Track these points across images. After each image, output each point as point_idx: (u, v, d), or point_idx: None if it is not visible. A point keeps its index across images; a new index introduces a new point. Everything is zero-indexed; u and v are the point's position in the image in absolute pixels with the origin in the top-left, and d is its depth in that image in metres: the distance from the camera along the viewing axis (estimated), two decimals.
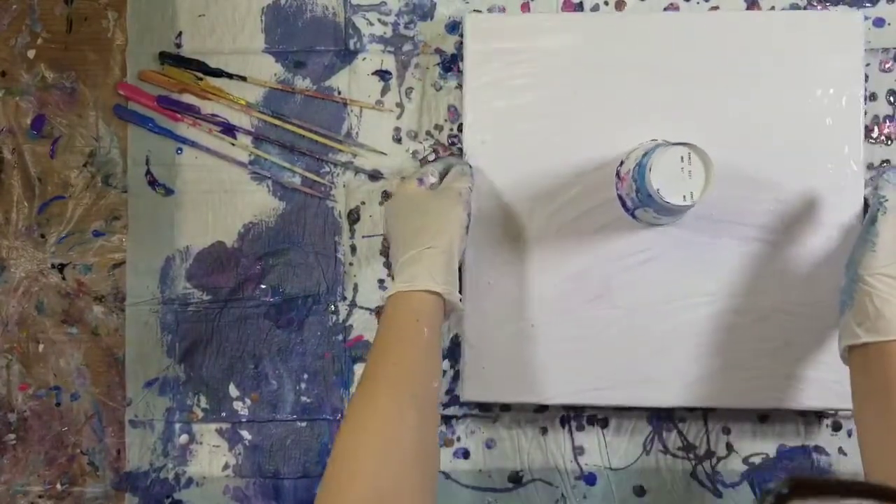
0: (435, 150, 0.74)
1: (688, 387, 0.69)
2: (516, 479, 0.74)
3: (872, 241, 0.60)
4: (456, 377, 0.73)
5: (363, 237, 0.75)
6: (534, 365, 0.70)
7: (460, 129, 0.73)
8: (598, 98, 0.70)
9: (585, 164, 0.70)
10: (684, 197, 0.59)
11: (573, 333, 0.70)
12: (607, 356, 0.70)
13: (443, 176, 0.69)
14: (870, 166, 0.71)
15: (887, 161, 0.72)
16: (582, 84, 0.70)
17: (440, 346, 0.61)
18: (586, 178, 0.70)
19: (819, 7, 0.72)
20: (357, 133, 0.75)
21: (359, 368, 0.75)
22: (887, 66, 0.72)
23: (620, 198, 0.69)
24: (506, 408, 0.74)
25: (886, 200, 0.62)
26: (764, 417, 0.73)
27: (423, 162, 0.74)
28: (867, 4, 0.73)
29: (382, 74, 0.75)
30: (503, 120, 0.71)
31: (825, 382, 0.68)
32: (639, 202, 0.65)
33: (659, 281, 0.69)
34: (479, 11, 0.74)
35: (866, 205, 0.68)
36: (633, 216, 0.69)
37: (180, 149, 0.75)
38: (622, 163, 0.68)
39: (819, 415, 0.72)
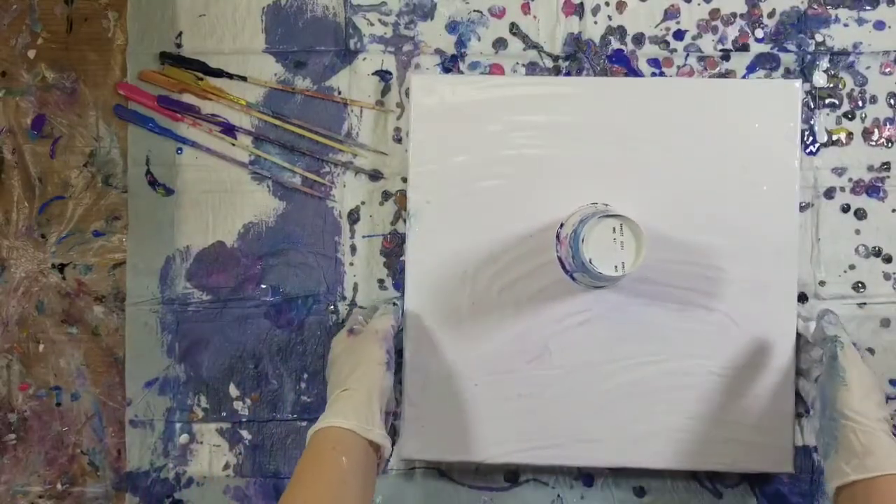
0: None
1: (624, 447, 0.70)
2: (513, 479, 0.74)
3: (841, 376, 0.61)
4: None
5: (363, 237, 0.75)
6: (475, 424, 0.70)
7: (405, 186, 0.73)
8: (541, 159, 0.70)
9: (527, 227, 0.70)
10: (616, 268, 0.61)
11: (514, 393, 0.70)
12: (547, 416, 0.70)
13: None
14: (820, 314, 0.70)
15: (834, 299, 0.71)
16: (525, 146, 0.70)
17: (362, 482, 0.58)
18: (528, 240, 0.70)
19: (819, 10, 0.73)
20: (357, 133, 0.75)
21: None
22: (887, 69, 0.73)
23: (560, 260, 0.70)
24: None
25: (839, 338, 0.64)
26: None
27: (354, 311, 0.74)
28: (867, 7, 0.73)
29: (383, 74, 0.75)
30: (447, 180, 0.71)
31: (755, 445, 0.69)
32: (576, 267, 0.66)
33: (597, 342, 0.70)
34: (480, 12, 0.74)
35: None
36: (573, 278, 0.69)
37: (180, 149, 0.75)
38: (562, 226, 0.69)
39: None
